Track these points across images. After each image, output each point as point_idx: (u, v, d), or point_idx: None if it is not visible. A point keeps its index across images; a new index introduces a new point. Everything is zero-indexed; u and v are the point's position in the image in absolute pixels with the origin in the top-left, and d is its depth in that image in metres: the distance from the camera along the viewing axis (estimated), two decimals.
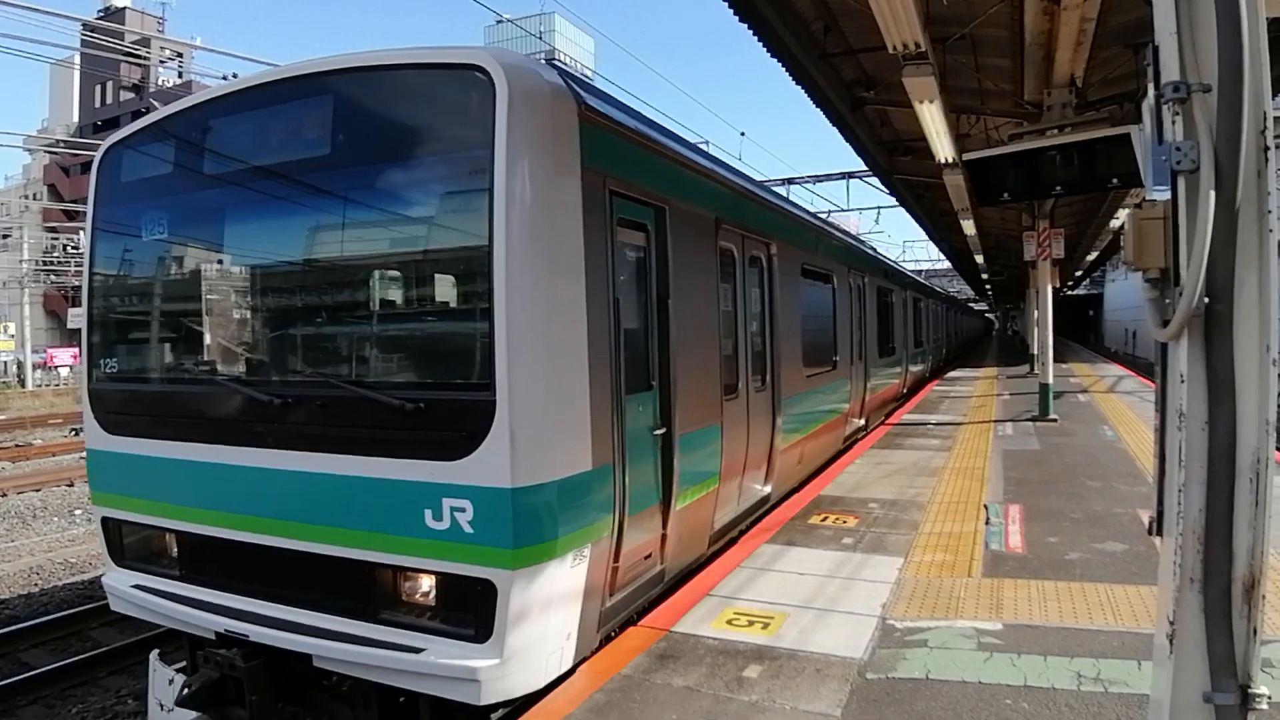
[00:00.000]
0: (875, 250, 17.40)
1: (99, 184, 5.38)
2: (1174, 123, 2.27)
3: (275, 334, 4.91)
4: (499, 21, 25.99)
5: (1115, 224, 22.96)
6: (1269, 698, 2.25)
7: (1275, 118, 2.28)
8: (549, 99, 4.16)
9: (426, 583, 4.10)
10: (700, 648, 4.70)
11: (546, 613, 4.05)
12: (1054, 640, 4.65)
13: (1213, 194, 2.18)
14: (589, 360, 4.25)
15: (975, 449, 11.50)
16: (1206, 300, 2.22)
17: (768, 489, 7.84)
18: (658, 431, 5.27)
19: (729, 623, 5.06)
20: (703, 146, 10.28)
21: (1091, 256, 37.13)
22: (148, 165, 5.22)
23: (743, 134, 29.75)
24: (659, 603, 5.45)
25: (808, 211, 11.54)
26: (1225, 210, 2.19)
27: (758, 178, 15.05)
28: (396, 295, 4.55)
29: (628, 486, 4.71)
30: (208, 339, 5.19)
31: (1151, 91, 2.36)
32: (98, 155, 5.42)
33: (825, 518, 7.67)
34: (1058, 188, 9.22)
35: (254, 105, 4.77)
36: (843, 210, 32.14)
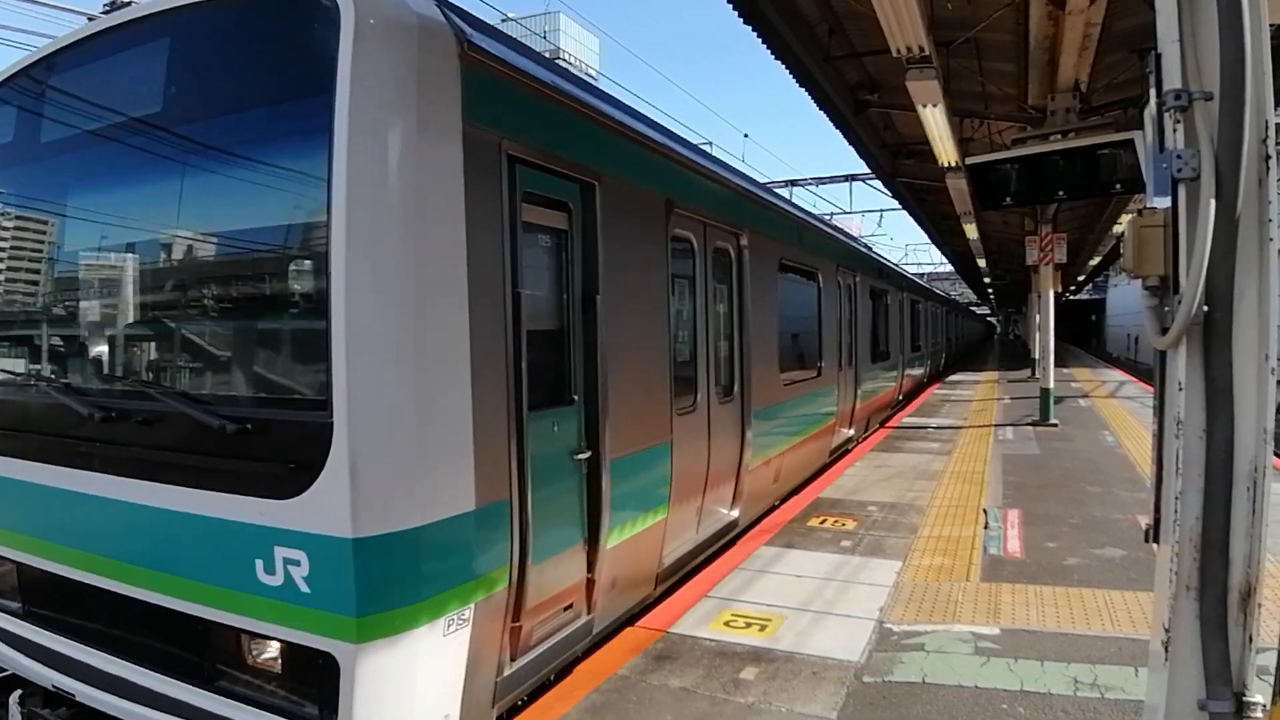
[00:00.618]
0: (869, 248, 16.75)
1: None
2: (1175, 130, 2.28)
3: (94, 330, 4.20)
4: (504, 20, 26.01)
5: (1118, 229, 22.95)
6: (1264, 706, 2.25)
7: (1277, 126, 2.28)
8: (414, 33, 3.28)
9: (266, 649, 3.32)
10: (697, 649, 4.70)
11: (411, 693, 3.26)
12: (1051, 645, 4.65)
13: (1213, 202, 2.18)
14: (472, 370, 3.42)
15: (975, 453, 11.49)
16: (1206, 308, 2.22)
17: (734, 514, 6.97)
18: (580, 456, 4.42)
19: (726, 624, 5.06)
20: (705, 147, 10.10)
21: (1094, 261, 37.11)
22: None
23: (746, 135, 29.82)
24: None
25: (788, 200, 10.46)
26: (1225, 219, 2.19)
27: (761, 179, 14.98)
28: (223, 285, 3.78)
29: (533, 526, 3.86)
30: (36, 335, 4.55)
31: (1153, 99, 2.36)
32: None
33: (824, 520, 7.68)
34: (1061, 193, 9.21)
35: (94, 58, 4.02)
36: (845, 212, 32.12)
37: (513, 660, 3.89)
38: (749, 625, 5.04)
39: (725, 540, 6.81)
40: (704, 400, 6.17)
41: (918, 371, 21.41)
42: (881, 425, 14.69)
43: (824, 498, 8.70)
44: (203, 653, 3.46)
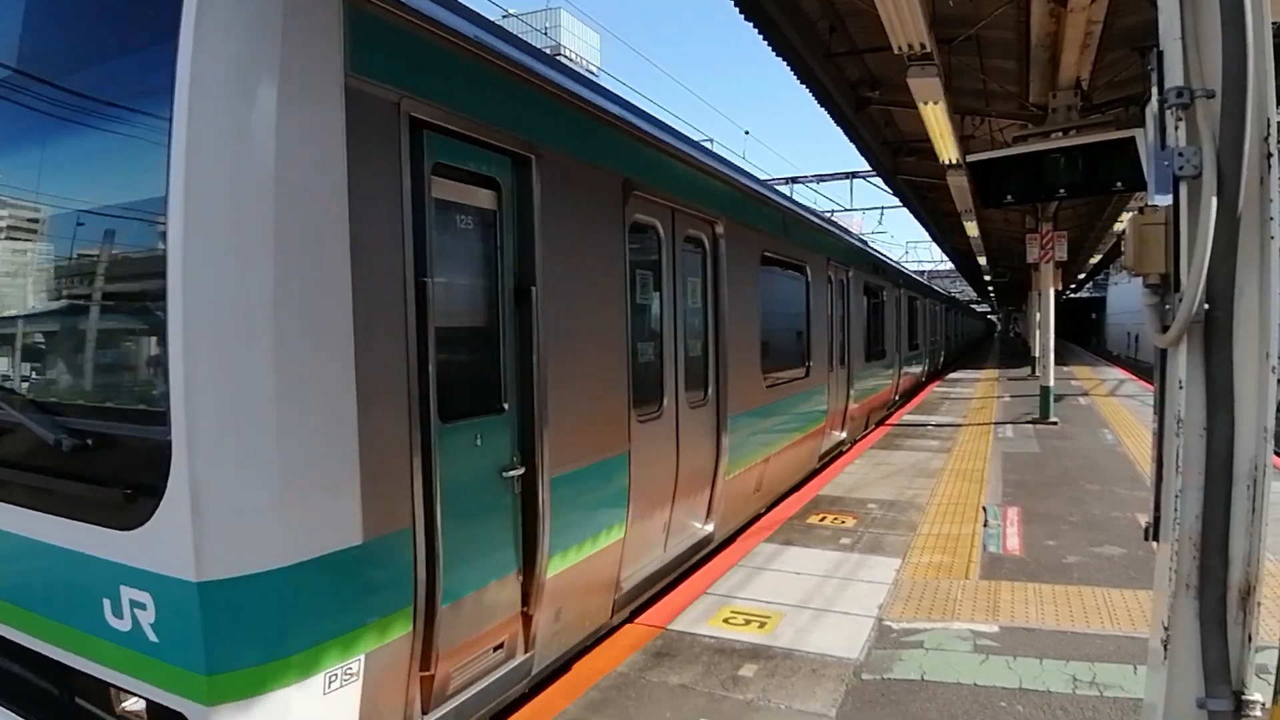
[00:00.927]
0: (865, 242, 16.24)
1: None
2: (1177, 128, 2.27)
3: None
4: (505, 16, 26.02)
5: (1119, 227, 22.94)
6: (1263, 704, 2.25)
7: (1279, 124, 2.28)
8: None
9: (130, 700, 2.88)
10: (696, 646, 4.70)
11: None
12: (1050, 643, 4.65)
13: (1214, 200, 2.18)
14: (357, 373, 2.89)
15: (975, 451, 11.49)
16: (1206, 306, 2.22)
17: (709, 528, 6.42)
18: (512, 473, 3.85)
19: (726, 621, 5.06)
20: (706, 144, 9.94)
21: (1095, 259, 37.11)
22: None
23: (747, 132, 29.85)
24: (654, 602, 5.42)
25: (771, 188, 9.61)
26: (1227, 216, 2.19)
27: (762, 176, 14.88)
28: (59, 274, 3.32)
29: (446, 559, 3.33)
30: None
31: (1155, 96, 2.36)
32: None
33: (824, 518, 7.68)
34: (1061, 191, 9.20)
35: None
36: (846, 209, 32.11)
37: (425, 714, 3.40)
38: (748, 622, 5.04)
39: (700, 556, 6.33)
40: (671, 405, 5.65)
41: (915, 370, 21.14)
42: (877, 425, 14.57)
43: (823, 495, 8.70)
44: (66, 697, 3.06)
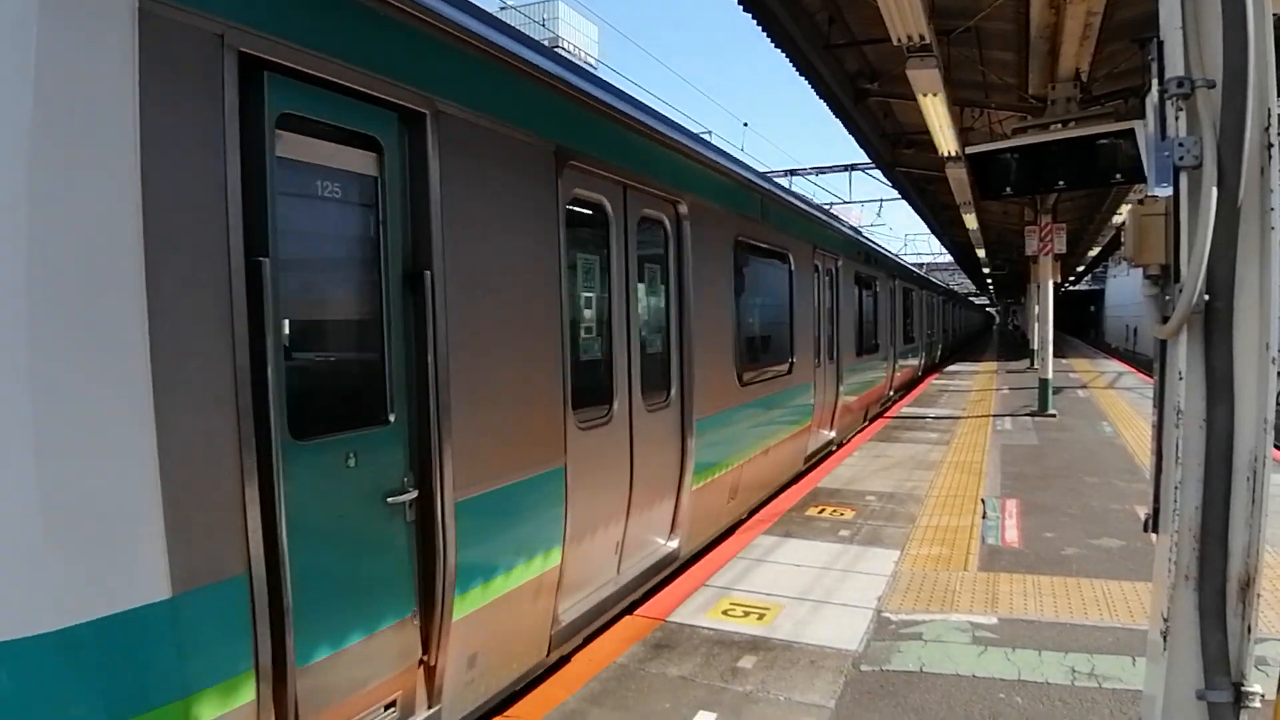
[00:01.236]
0: (858, 230, 15.73)
1: None
2: (1177, 118, 2.27)
3: None
4: (503, 8, 25.94)
5: (1118, 219, 22.93)
6: (1262, 696, 2.26)
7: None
8: None
9: None
10: (696, 638, 4.71)
11: None
12: (1049, 635, 4.66)
13: (1215, 190, 2.18)
14: (155, 380, 2.27)
15: (973, 443, 11.50)
16: (1207, 298, 2.22)
17: (672, 544, 5.82)
18: (400, 497, 3.20)
19: (725, 613, 5.07)
20: (705, 136, 9.77)
21: (1094, 252, 37.09)
22: None
23: (745, 124, 29.80)
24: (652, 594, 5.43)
25: (747, 167, 8.58)
26: (1227, 207, 2.18)
27: (761, 168, 14.80)
28: None
29: (301, 609, 2.73)
30: None
31: (1155, 87, 2.35)
32: None
33: (823, 510, 7.69)
34: (1060, 182, 9.20)
35: None
36: (844, 202, 32.12)
37: None
38: (747, 614, 5.05)
39: (664, 575, 5.74)
40: (623, 409, 5.03)
41: (911, 363, 20.85)
42: (870, 423, 14.36)
43: (822, 487, 8.71)
44: None
